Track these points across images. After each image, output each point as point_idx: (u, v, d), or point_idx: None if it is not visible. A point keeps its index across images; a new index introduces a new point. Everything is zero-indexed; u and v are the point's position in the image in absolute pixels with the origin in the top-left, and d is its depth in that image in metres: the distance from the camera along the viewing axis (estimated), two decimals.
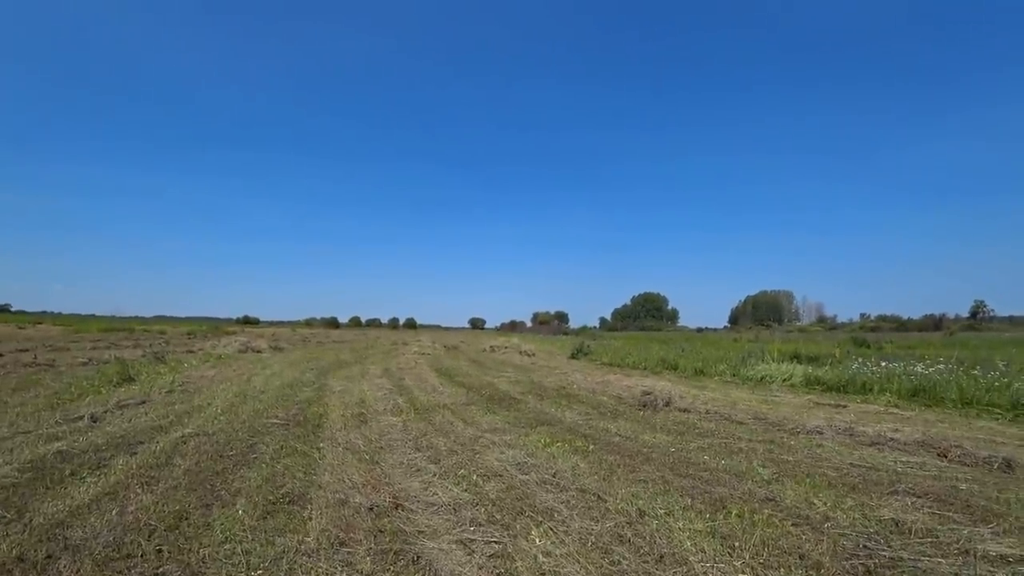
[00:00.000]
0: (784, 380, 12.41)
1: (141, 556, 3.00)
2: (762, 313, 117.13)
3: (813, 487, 4.41)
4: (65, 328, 38.12)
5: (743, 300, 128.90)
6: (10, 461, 4.78)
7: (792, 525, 3.57)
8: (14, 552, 3.00)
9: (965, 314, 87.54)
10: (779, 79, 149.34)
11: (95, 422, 6.56)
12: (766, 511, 3.80)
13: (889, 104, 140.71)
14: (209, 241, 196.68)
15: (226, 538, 3.24)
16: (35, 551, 3.02)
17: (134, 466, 4.74)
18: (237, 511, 3.69)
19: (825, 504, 3.97)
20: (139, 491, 4.08)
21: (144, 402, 8.14)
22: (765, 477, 4.71)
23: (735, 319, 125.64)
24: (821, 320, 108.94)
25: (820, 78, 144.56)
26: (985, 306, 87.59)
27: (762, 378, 12.97)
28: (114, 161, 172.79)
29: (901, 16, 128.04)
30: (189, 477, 4.47)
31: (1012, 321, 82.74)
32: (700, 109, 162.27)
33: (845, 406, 9.11)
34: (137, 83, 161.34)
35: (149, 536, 3.25)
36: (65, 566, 2.85)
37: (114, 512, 3.64)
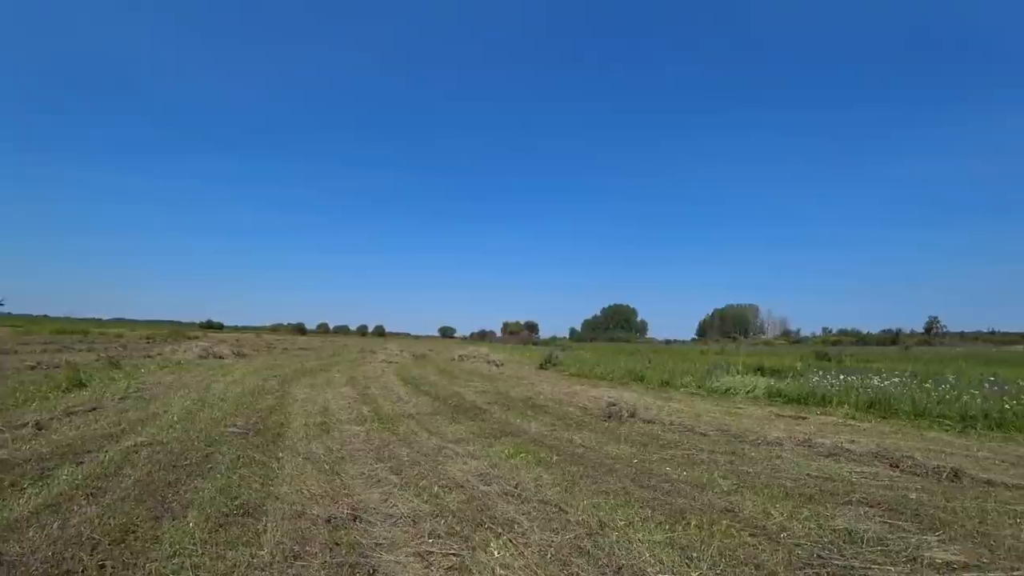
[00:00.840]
0: (748, 392, 12.68)
1: (82, 572, 2.85)
2: (729, 326, 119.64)
3: (771, 498, 4.49)
4: (14, 329, 36.43)
5: (711, 313, 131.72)
6: None
7: (750, 535, 3.62)
8: None
9: (920, 329, 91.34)
10: (747, 96, 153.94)
11: (40, 429, 6.25)
12: (725, 522, 3.85)
13: (856, 121, 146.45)
14: (173, 243, 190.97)
15: (175, 552, 3.11)
16: None
17: (80, 476, 4.53)
18: (188, 524, 3.55)
19: (782, 514, 4.05)
20: (84, 503, 3.90)
21: (95, 409, 7.81)
22: (725, 488, 4.78)
23: (703, 332, 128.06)
24: (785, 334, 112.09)
25: (788, 96, 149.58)
26: (938, 322, 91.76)
27: (726, 390, 13.21)
28: (74, 159, 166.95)
29: (865, 40, 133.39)
30: (139, 488, 4.29)
31: (963, 336, 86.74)
32: (671, 124, 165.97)
33: (805, 418, 9.34)
34: (118, 87, 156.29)
35: (92, 551, 3.10)
36: None
37: (55, 525, 3.46)
